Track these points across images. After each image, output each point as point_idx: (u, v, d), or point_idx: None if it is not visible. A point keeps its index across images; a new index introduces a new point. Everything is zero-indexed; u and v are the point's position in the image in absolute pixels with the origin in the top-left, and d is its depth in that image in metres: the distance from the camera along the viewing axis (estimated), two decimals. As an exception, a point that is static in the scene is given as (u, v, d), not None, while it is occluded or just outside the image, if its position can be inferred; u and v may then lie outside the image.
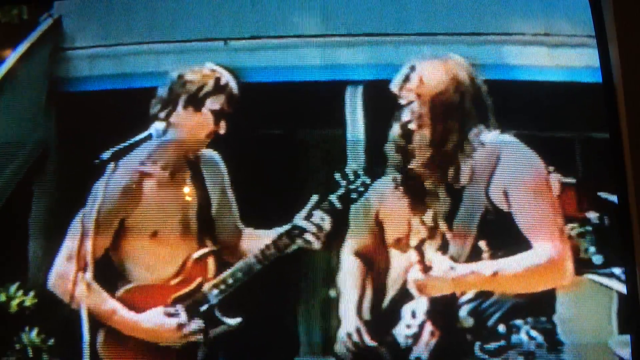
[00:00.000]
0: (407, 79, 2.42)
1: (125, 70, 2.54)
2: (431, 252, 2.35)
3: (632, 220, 2.34)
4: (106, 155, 2.34)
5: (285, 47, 2.53)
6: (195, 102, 2.40)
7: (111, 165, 2.34)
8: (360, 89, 2.50)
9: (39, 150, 2.50)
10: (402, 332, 2.34)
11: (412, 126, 2.39)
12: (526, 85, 2.51)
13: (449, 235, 2.37)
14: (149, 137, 2.39)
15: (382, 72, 2.51)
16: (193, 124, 2.40)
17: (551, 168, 2.39)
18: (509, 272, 2.31)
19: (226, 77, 2.43)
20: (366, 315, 2.37)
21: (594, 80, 2.50)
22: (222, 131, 2.41)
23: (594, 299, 2.36)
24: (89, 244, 2.29)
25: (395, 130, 2.41)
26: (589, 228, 2.37)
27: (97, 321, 2.31)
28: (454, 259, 2.35)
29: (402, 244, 2.37)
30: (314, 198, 2.38)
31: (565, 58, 2.54)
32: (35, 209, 2.45)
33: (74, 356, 2.26)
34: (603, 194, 2.42)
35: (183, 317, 2.32)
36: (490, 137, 2.39)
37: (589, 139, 2.50)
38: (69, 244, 2.33)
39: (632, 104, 2.39)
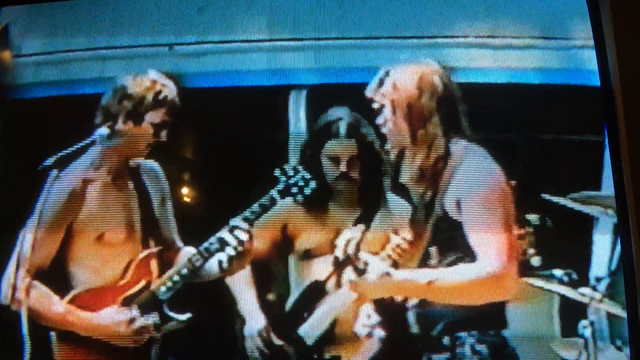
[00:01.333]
0: (380, 83, 2.43)
1: (69, 77, 2.56)
2: (368, 256, 2.36)
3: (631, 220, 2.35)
4: (49, 161, 2.38)
5: (230, 52, 2.55)
6: (136, 116, 2.43)
7: (54, 171, 2.37)
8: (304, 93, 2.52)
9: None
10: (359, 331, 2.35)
11: (385, 130, 2.41)
12: (484, 88, 2.52)
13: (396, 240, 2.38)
14: (92, 143, 2.41)
15: (326, 76, 2.53)
16: (133, 135, 2.43)
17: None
18: (446, 282, 2.31)
19: (168, 89, 2.46)
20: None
21: (540, 82, 2.53)
22: (163, 139, 2.43)
23: (536, 302, 2.38)
24: (36, 250, 2.33)
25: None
26: (530, 230, 2.39)
27: (48, 324, 2.35)
28: (397, 264, 2.36)
29: (340, 246, 2.39)
30: (255, 194, 2.40)
31: (512, 59, 2.55)
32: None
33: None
34: (545, 195, 2.43)
35: (135, 314, 2.37)
36: (456, 146, 2.40)
37: (533, 139, 2.51)
38: (17, 252, 2.36)
39: (630, 105, 2.40)
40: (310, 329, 2.37)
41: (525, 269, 2.36)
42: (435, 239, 2.37)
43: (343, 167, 2.40)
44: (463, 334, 2.32)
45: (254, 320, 2.36)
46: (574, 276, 2.38)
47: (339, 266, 2.36)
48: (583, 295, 2.36)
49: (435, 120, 2.39)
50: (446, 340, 2.33)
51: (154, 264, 2.42)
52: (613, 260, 2.44)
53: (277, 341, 2.36)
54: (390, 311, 2.37)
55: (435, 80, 2.40)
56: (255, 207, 2.37)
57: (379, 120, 2.42)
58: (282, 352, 2.36)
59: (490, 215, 2.32)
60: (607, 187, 2.45)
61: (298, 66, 2.54)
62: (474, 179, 2.36)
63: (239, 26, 2.58)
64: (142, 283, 2.39)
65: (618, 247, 2.42)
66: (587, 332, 2.34)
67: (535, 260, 2.38)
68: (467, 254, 2.33)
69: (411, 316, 2.37)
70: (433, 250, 2.38)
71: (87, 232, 2.40)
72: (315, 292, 2.37)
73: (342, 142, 2.41)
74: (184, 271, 2.37)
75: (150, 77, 2.47)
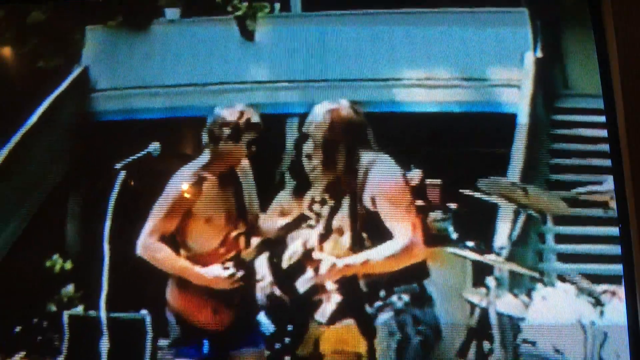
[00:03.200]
0: (310, 118, 3.26)
1: (131, 107, 3.61)
2: (319, 253, 3.21)
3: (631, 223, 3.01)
4: (118, 165, 3.35)
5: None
6: (235, 137, 3.27)
7: (122, 173, 3.37)
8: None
9: (71, 161, 3.58)
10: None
11: (311, 153, 3.24)
12: (401, 116, 3.53)
13: (335, 236, 3.21)
14: (149, 154, 3.42)
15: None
16: (234, 150, 3.28)
17: (413, 175, 3.25)
18: (375, 259, 3.15)
19: (255, 115, 3.28)
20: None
21: (461, 110, 3.56)
22: (253, 152, 3.31)
23: (452, 265, 3.34)
24: (163, 224, 3.25)
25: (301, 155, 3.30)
26: (449, 214, 3.37)
27: (167, 273, 3.24)
28: (338, 254, 3.19)
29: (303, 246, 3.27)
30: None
31: (443, 95, 3.60)
32: (71, 203, 3.53)
33: (95, 303, 3.31)
34: (464, 191, 3.40)
35: (232, 270, 3.26)
36: (365, 157, 3.21)
37: (456, 152, 3.49)
38: (150, 225, 3.22)
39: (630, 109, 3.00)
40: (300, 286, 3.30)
41: (445, 241, 3.34)
42: (360, 228, 3.20)
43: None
44: (395, 287, 3.21)
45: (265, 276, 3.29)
46: (482, 246, 3.36)
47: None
48: (489, 259, 3.32)
49: (344, 144, 3.20)
50: (382, 292, 3.21)
51: (242, 240, 3.30)
52: (512, 234, 3.41)
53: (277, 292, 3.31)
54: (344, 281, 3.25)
55: (345, 114, 3.22)
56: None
57: (308, 145, 3.23)
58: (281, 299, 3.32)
59: (398, 206, 3.15)
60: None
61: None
62: (383, 178, 3.17)
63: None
64: (233, 252, 3.30)
65: (516, 225, 3.38)
66: (492, 284, 3.30)
67: (454, 235, 3.39)
68: (385, 236, 3.15)
69: (360, 281, 3.24)
70: (362, 236, 3.20)
71: (200, 215, 3.25)
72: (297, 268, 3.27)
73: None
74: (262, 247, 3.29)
75: (238, 108, 3.29)
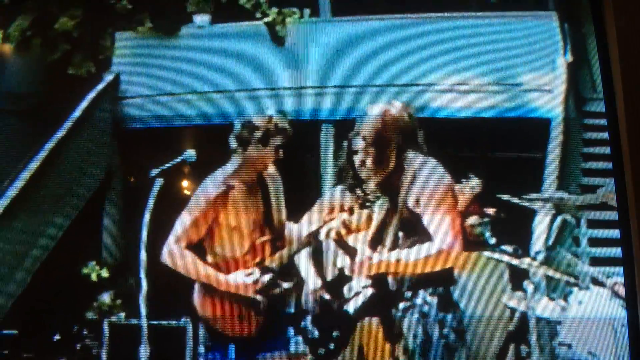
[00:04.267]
0: (361, 120, 3.38)
1: (164, 113, 3.62)
2: (357, 245, 3.27)
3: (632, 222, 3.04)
4: (154, 172, 3.37)
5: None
6: (264, 141, 3.33)
7: (159, 180, 3.38)
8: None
9: (106, 169, 3.58)
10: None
11: (361, 155, 3.34)
12: (450, 121, 3.56)
13: (373, 232, 3.30)
14: (184, 161, 3.42)
15: (346, 113, 3.57)
16: (262, 155, 3.34)
17: (462, 182, 3.31)
18: (409, 259, 3.22)
19: (283, 121, 3.34)
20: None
21: (496, 116, 3.58)
22: (280, 156, 3.36)
23: (489, 269, 3.37)
24: (190, 232, 3.29)
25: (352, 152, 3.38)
26: (487, 219, 3.39)
27: (194, 279, 3.28)
28: (375, 249, 3.25)
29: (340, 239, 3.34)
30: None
31: (475, 100, 3.61)
32: (106, 211, 3.53)
33: (135, 311, 3.32)
34: (501, 196, 3.42)
35: (256, 275, 3.30)
36: (414, 159, 3.31)
37: (492, 157, 3.54)
38: (176, 232, 3.27)
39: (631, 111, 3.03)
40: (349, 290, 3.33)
41: (483, 246, 3.35)
42: (401, 227, 3.27)
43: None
44: (420, 290, 3.26)
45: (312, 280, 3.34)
46: (519, 250, 3.37)
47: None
48: (525, 263, 3.35)
49: (396, 143, 3.29)
50: (408, 294, 3.26)
51: (267, 247, 3.33)
52: (548, 240, 3.45)
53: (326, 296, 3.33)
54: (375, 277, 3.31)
55: (397, 114, 3.32)
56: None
57: (359, 144, 3.31)
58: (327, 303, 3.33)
59: (441, 210, 3.21)
60: (546, 190, 3.50)
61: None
62: (430, 182, 3.27)
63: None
64: (258, 259, 3.33)
65: (552, 230, 3.43)
66: (529, 288, 3.33)
67: (492, 240, 3.41)
68: (424, 238, 3.22)
69: (390, 279, 3.30)
70: (400, 235, 3.29)
71: (227, 223, 3.30)
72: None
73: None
74: (288, 253, 3.32)
75: (267, 113, 3.36)
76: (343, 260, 3.29)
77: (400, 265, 3.23)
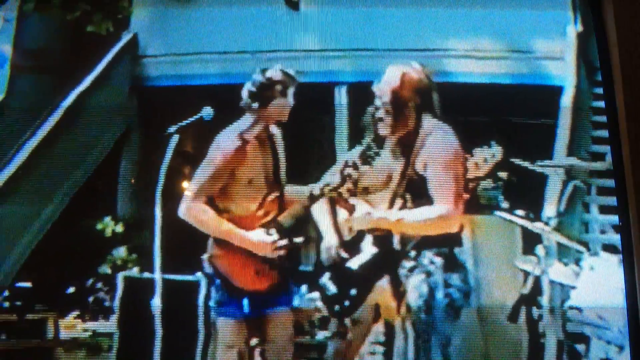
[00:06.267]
0: (380, 80, 3.39)
1: (181, 73, 3.65)
2: (356, 201, 3.30)
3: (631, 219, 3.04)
4: (172, 129, 3.39)
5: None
6: (284, 92, 3.35)
7: (176, 136, 3.40)
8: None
9: (124, 126, 3.61)
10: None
11: (381, 113, 3.37)
12: (464, 86, 3.60)
13: (379, 193, 3.32)
14: (201, 118, 3.44)
15: (361, 76, 3.61)
16: (282, 106, 3.35)
17: (484, 149, 3.34)
18: (409, 220, 3.25)
19: (293, 82, 3.37)
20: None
21: (511, 82, 3.62)
22: (285, 118, 3.38)
23: (502, 232, 3.42)
24: (209, 186, 3.31)
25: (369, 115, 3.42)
26: (500, 183, 3.42)
27: (208, 234, 3.30)
28: (375, 206, 3.28)
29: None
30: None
31: (491, 66, 3.65)
32: (123, 166, 3.55)
33: (149, 266, 3.35)
34: (515, 160, 3.46)
35: (276, 236, 3.32)
36: (427, 122, 3.32)
37: (507, 122, 3.57)
38: (195, 187, 3.29)
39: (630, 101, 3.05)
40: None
41: (496, 209, 3.40)
42: (407, 188, 3.29)
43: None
44: (425, 250, 3.28)
45: (330, 238, 3.35)
46: (531, 215, 3.41)
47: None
48: (538, 227, 3.40)
49: (413, 104, 3.31)
50: (412, 253, 3.27)
51: (277, 203, 3.35)
52: (560, 205, 3.50)
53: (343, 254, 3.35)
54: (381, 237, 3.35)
55: (416, 76, 3.33)
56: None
57: (378, 104, 3.32)
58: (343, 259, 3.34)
59: (446, 175, 3.24)
60: (557, 156, 3.54)
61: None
62: (439, 147, 3.27)
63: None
64: (271, 215, 3.36)
65: (564, 195, 3.48)
66: (541, 253, 3.37)
67: (504, 204, 3.44)
68: (427, 200, 3.25)
69: (394, 238, 3.32)
70: (406, 196, 3.31)
71: (242, 177, 3.32)
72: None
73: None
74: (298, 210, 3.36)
75: (277, 68, 3.37)
76: (341, 214, 3.32)
77: (400, 225, 3.27)
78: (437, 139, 3.29)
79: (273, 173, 3.38)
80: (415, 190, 3.29)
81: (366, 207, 3.31)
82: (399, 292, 3.28)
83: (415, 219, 3.26)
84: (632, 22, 3.11)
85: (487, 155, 3.37)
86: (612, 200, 3.46)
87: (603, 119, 3.71)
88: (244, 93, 3.37)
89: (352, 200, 3.32)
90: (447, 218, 3.24)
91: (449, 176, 3.26)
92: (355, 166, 3.34)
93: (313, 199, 3.35)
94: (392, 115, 3.32)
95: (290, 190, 3.39)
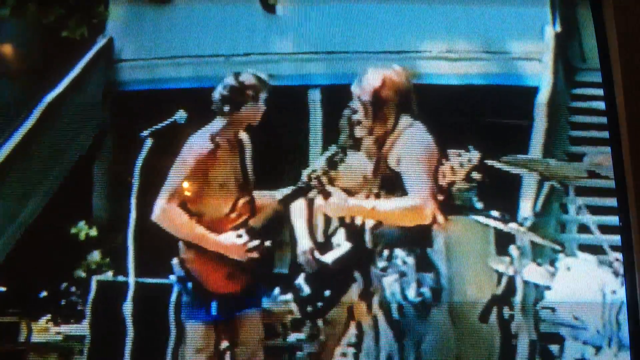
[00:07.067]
0: (360, 81, 3.38)
1: (155, 77, 3.65)
2: (334, 189, 3.32)
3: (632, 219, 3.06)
4: (146, 132, 3.35)
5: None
6: (255, 97, 3.34)
7: (149, 140, 3.39)
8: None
9: (98, 130, 3.61)
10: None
11: (359, 115, 3.36)
12: (438, 87, 3.60)
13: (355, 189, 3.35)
14: (175, 122, 3.42)
15: (336, 79, 3.61)
16: (254, 110, 3.35)
17: (461, 154, 3.34)
18: (383, 208, 3.26)
19: (266, 87, 3.36)
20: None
21: (488, 83, 3.61)
22: (256, 122, 3.37)
23: (476, 233, 3.40)
24: (182, 190, 3.29)
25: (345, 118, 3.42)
26: (474, 184, 3.41)
27: (182, 237, 3.28)
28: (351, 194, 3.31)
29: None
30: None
31: (464, 68, 3.64)
32: (97, 170, 3.56)
33: (123, 269, 3.34)
34: (488, 162, 3.43)
35: (246, 238, 3.31)
36: (404, 120, 3.33)
37: (481, 123, 3.56)
38: (168, 190, 3.26)
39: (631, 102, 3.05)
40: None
41: (469, 210, 3.40)
42: (381, 185, 3.32)
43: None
44: (397, 250, 3.28)
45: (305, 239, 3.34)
46: (506, 216, 3.39)
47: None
48: (512, 228, 3.38)
49: (393, 105, 3.33)
50: (385, 252, 3.28)
51: (248, 207, 3.36)
52: (536, 206, 3.49)
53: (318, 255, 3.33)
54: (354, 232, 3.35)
55: (397, 78, 3.34)
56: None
57: (355, 106, 3.34)
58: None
59: (420, 169, 3.27)
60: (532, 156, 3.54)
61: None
62: (413, 143, 3.30)
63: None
64: (243, 218, 3.35)
65: (540, 196, 3.46)
66: (515, 253, 3.36)
67: (479, 205, 3.43)
68: (400, 192, 3.27)
69: (367, 235, 3.32)
70: (380, 193, 3.31)
71: (214, 181, 3.30)
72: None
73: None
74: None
75: (249, 72, 3.35)
76: (318, 201, 3.33)
77: (374, 213, 3.28)
78: (411, 135, 3.31)
79: (243, 177, 3.38)
80: (389, 186, 3.31)
81: (342, 194, 3.31)
82: (371, 293, 3.28)
83: (389, 208, 3.27)
84: (632, 22, 3.13)
85: (463, 160, 3.36)
86: (591, 201, 3.48)
87: (582, 119, 3.73)
88: (216, 96, 3.35)
89: (329, 188, 3.32)
90: (420, 209, 3.25)
91: (422, 170, 3.28)
92: (324, 172, 3.34)
93: (285, 201, 3.34)
94: (371, 115, 3.33)
95: (259, 194, 3.38)
